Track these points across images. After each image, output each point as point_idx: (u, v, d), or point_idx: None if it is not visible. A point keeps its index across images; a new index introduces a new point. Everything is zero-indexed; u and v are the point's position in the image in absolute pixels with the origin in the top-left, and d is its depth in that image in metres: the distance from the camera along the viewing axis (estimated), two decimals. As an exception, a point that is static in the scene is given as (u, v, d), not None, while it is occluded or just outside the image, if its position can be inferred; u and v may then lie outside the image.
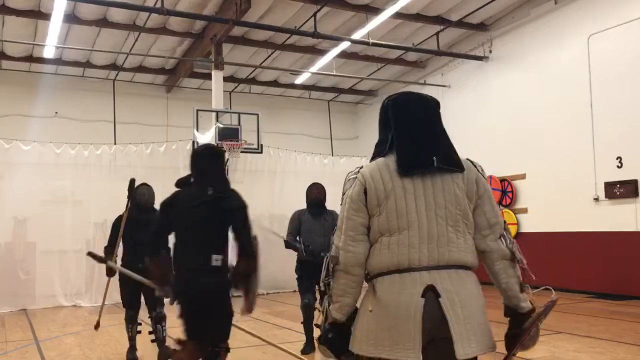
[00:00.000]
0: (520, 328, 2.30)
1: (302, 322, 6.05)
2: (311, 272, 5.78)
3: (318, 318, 2.48)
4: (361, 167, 2.32)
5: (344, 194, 2.33)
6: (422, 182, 2.21)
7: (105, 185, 10.48)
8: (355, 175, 2.30)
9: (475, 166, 2.35)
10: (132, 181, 5.52)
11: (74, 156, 10.77)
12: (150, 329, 5.78)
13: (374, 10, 11.13)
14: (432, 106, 2.44)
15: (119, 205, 10.91)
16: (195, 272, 3.55)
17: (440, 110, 2.49)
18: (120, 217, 5.78)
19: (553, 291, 2.52)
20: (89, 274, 10.33)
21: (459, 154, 2.31)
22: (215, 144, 4.17)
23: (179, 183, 3.93)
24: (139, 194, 5.81)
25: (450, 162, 2.25)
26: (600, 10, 10.19)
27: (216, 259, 3.52)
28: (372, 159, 2.35)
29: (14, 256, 10.19)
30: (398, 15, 11.30)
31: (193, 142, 11.03)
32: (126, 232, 5.60)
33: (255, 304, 3.49)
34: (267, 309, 9.42)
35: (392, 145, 2.29)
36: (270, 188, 12.14)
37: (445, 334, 2.08)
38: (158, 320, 5.72)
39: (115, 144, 12.11)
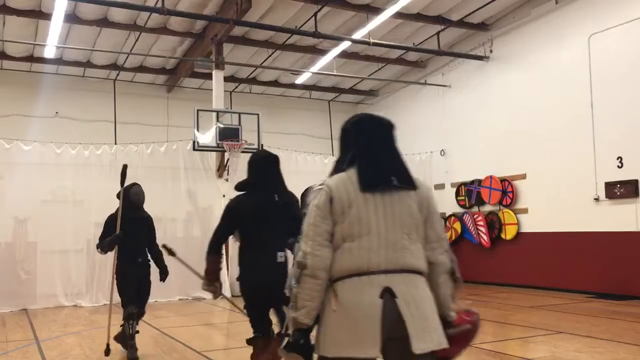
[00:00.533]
0: (446, 332, 2.46)
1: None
2: None
3: (285, 327, 2.56)
4: (325, 181, 2.51)
5: (306, 204, 2.52)
6: (382, 195, 2.44)
7: (105, 185, 10.45)
8: (321, 187, 2.48)
9: (425, 185, 2.64)
10: (125, 167, 5.83)
11: (75, 156, 10.76)
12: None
13: (375, 10, 11.13)
14: (388, 128, 2.66)
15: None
16: (264, 269, 3.94)
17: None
18: (112, 215, 5.94)
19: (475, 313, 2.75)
20: (90, 274, 10.34)
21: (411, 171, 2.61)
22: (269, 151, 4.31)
23: (239, 187, 4.22)
24: (132, 193, 6.02)
25: (407, 181, 2.52)
26: (600, 10, 10.19)
27: (280, 256, 3.99)
28: (331, 175, 2.55)
29: (14, 256, 10.18)
30: (398, 15, 11.30)
31: (193, 142, 11.04)
32: (121, 229, 5.76)
33: None
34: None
35: (350, 163, 2.51)
36: (271, 188, 12.14)
37: (401, 333, 2.26)
38: (128, 317, 5.88)
39: (115, 143, 12.11)
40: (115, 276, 5.94)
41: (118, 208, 5.87)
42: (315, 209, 2.44)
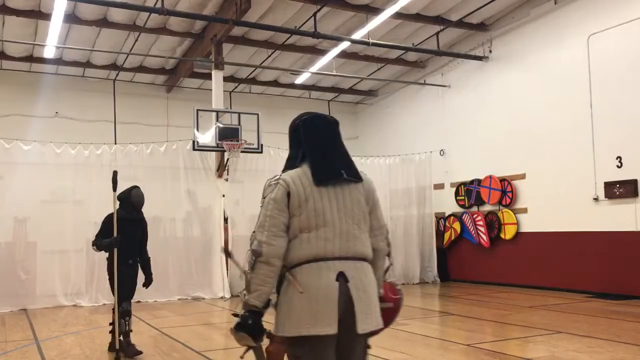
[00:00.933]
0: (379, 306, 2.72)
1: None
2: None
3: (237, 307, 2.83)
4: (280, 175, 2.68)
5: (264, 197, 2.67)
6: (334, 189, 2.65)
7: (105, 185, 10.33)
8: (277, 182, 2.65)
9: (368, 178, 2.85)
10: (115, 174, 5.96)
11: (75, 156, 10.76)
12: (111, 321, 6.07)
13: (374, 10, 11.14)
14: (335, 127, 2.85)
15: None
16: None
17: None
18: (111, 215, 6.04)
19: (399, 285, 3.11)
20: (89, 274, 10.34)
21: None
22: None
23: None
24: (134, 195, 6.27)
25: (354, 174, 2.73)
26: (600, 10, 10.20)
27: None
28: (284, 171, 2.72)
29: (14, 256, 10.17)
30: (398, 15, 11.31)
31: (193, 142, 11.04)
32: (119, 229, 5.87)
33: None
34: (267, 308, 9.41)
35: (303, 159, 2.71)
36: (270, 188, 12.14)
37: (350, 313, 2.51)
38: (123, 314, 6.02)
39: (115, 143, 12.11)
40: (109, 275, 6.04)
41: (116, 210, 5.98)
42: (273, 202, 2.60)
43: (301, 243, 2.58)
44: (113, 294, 5.96)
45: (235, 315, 2.63)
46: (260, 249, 2.55)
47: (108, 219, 6.13)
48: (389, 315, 2.83)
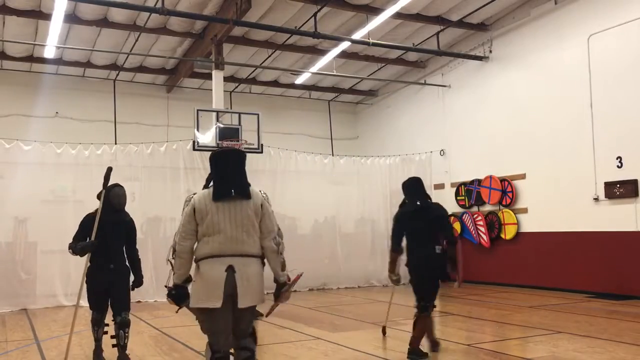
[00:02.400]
0: (279, 291, 4.04)
1: None
2: None
3: (168, 280, 4.15)
4: (194, 194, 4.00)
5: (183, 209, 4.00)
6: (228, 204, 3.84)
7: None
8: (189, 200, 3.99)
9: (262, 195, 4.09)
10: (109, 170, 5.56)
11: (75, 156, 10.75)
12: (114, 333, 5.61)
13: (374, 10, 11.14)
14: (239, 158, 4.08)
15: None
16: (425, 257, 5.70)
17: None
18: (89, 216, 5.61)
19: (301, 271, 4.28)
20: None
21: (252, 186, 4.02)
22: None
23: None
24: (113, 195, 5.67)
25: (243, 193, 3.89)
26: (600, 10, 10.20)
27: (438, 248, 5.71)
28: (203, 188, 4.03)
29: (14, 256, 10.17)
30: (398, 15, 11.31)
31: (193, 142, 11.04)
32: (98, 233, 5.38)
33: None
34: (267, 308, 9.42)
35: (212, 182, 3.97)
36: (271, 188, 12.10)
37: (234, 293, 3.74)
38: (122, 325, 5.54)
39: (115, 143, 12.11)
40: (85, 280, 5.61)
41: (97, 209, 5.51)
42: (185, 215, 3.90)
43: (203, 244, 3.83)
44: (89, 302, 5.65)
45: (167, 287, 4.07)
46: (176, 247, 3.90)
47: (86, 220, 5.61)
48: (286, 294, 4.09)
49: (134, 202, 10.55)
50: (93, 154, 10.91)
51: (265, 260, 3.98)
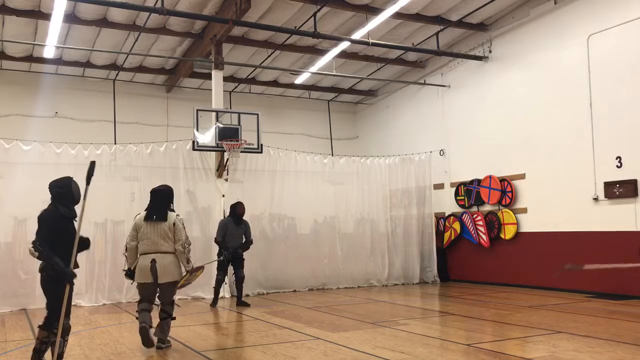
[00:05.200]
0: (184, 275, 6.40)
1: (214, 287, 10.06)
2: (229, 260, 9.91)
3: (124, 266, 6.57)
4: (138, 214, 6.54)
5: (135, 223, 6.46)
6: (152, 223, 6.33)
7: (105, 185, 10.48)
8: (135, 217, 6.54)
9: (178, 217, 6.45)
10: (93, 164, 5.13)
11: (75, 156, 10.74)
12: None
13: (374, 10, 11.14)
14: (165, 194, 6.57)
15: (119, 204, 10.89)
16: None
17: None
18: (49, 211, 5.18)
19: (202, 265, 7.02)
20: (89, 274, 10.35)
21: (174, 210, 6.58)
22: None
23: None
24: (76, 188, 5.30)
25: (160, 218, 6.34)
26: (599, 10, 10.21)
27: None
28: (145, 210, 6.57)
29: (14, 256, 10.16)
30: (398, 15, 11.32)
31: (193, 142, 11.04)
32: (59, 230, 5.06)
33: None
34: (267, 308, 9.44)
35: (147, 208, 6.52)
36: (270, 188, 12.15)
37: (156, 275, 6.17)
38: (67, 332, 5.11)
39: (115, 143, 12.11)
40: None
41: (81, 210, 5.08)
42: (132, 227, 6.44)
43: (139, 246, 6.32)
44: (55, 310, 4.97)
45: (124, 270, 6.56)
46: (127, 245, 6.43)
47: (50, 216, 5.08)
48: (187, 277, 6.45)
49: (133, 202, 10.61)
50: (92, 154, 10.89)
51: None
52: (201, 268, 6.72)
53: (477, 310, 8.78)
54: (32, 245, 5.06)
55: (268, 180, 12.12)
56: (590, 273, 10.15)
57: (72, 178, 5.37)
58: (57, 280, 4.98)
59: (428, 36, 12.74)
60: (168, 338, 6.44)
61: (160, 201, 6.41)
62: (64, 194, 5.25)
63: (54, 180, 5.38)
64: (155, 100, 15.11)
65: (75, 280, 5.19)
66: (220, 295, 10.33)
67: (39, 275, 5.25)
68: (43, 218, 5.11)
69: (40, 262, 5.13)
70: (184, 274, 6.36)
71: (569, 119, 10.68)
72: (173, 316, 6.42)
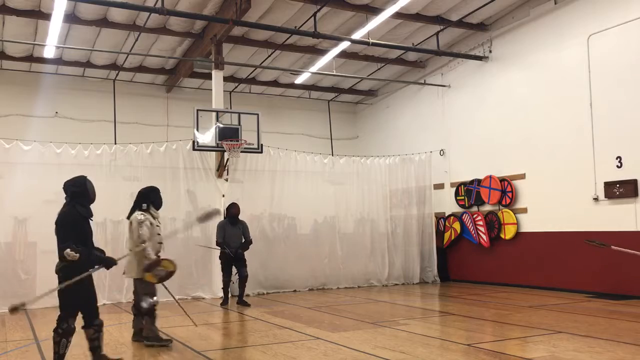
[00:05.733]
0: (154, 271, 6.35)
1: (222, 288, 10.22)
2: (230, 260, 9.94)
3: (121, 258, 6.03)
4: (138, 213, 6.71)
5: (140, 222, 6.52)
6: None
7: (105, 185, 10.45)
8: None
9: (137, 215, 6.48)
10: (216, 211, 6.33)
11: (75, 156, 10.74)
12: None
13: (374, 10, 11.14)
14: (141, 193, 6.72)
15: (119, 204, 10.90)
16: None
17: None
18: (69, 213, 5.17)
19: (174, 263, 6.42)
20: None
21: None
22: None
23: None
24: (92, 188, 5.34)
25: (128, 217, 6.59)
26: (600, 10, 10.21)
27: None
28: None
29: (14, 256, 10.15)
30: (398, 15, 11.32)
31: (193, 142, 11.04)
32: (81, 230, 5.14)
33: None
34: (267, 308, 9.44)
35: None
36: (270, 188, 12.15)
37: (131, 273, 6.62)
38: (68, 333, 5.26)
39: (115, 143, 12.11)
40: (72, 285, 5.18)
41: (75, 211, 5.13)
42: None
43: None
44: (71, 308, 5.22)
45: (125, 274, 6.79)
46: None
47: (71, 217, 5.13)
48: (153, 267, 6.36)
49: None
50: (93, 154, 10.91)
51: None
52: (159, 261, 6.26)
53: (477, 310, 8.78)
54: (66, 249, 4.95)
55: (268, 180, 12.12)
56: (590, 273, 10.17)
57: (86, 177, 5.37)
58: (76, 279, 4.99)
59: (428, 36, 12.74)
60: (169, 338, 6.43)
61: (135, 201, 6.61)
62: (80, 193, 5.22)
63: (68, 180, 5.38)
64: (156, 100, 15.11)
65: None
66: (221, 295, 10.39)
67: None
68: (66, 220, 5.11)
69: (57, 263, 5.17)
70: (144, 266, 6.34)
71: (569, 119, 10.67)
72: (145, 314, 6.42)
